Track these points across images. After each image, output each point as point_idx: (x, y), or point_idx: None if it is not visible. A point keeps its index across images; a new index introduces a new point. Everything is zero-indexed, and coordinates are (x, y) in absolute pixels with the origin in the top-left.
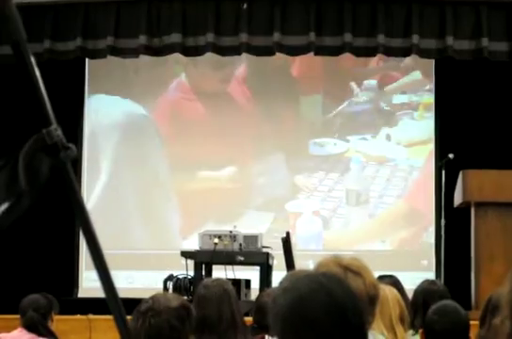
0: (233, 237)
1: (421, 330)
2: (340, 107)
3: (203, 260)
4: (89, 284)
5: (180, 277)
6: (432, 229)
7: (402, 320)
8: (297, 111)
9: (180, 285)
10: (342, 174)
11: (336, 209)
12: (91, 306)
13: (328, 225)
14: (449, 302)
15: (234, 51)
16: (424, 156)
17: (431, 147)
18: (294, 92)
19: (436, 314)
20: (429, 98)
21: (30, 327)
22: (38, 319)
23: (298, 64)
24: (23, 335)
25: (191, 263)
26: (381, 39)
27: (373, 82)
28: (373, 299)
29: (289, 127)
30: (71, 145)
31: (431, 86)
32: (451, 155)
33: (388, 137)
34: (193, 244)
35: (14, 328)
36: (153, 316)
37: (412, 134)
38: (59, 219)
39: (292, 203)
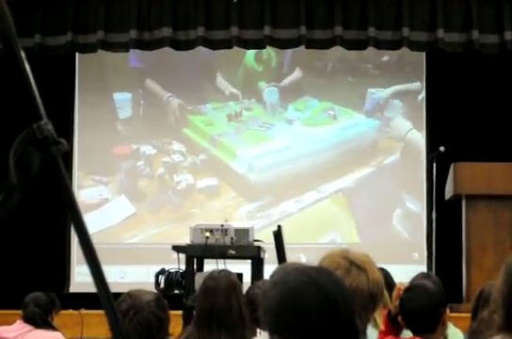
0: (225, 231)
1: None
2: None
3: (195, 254)
4: (81, 279)
5: (171, 271)
6: (423, 222)
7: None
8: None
9: (171, 279)
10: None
11: (326, 207)
12: (83, 301)
13: (319, 221)
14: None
15: (225, 45)
16: (416, 149)
17: (422, 140)
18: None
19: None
20: (421, 91)
21: (30, 320)
22: (38, 313)
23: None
24: (23, 327)
25: (183, 257)
26: (372, 31)
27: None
28: (374, 297)
29: None
30: (61, 140)
31: (422, 78)
32: (442, 148)
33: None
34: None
35: (7, 323)
36: (138, 312)
37: (403, 126)
38: (50, 214)
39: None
